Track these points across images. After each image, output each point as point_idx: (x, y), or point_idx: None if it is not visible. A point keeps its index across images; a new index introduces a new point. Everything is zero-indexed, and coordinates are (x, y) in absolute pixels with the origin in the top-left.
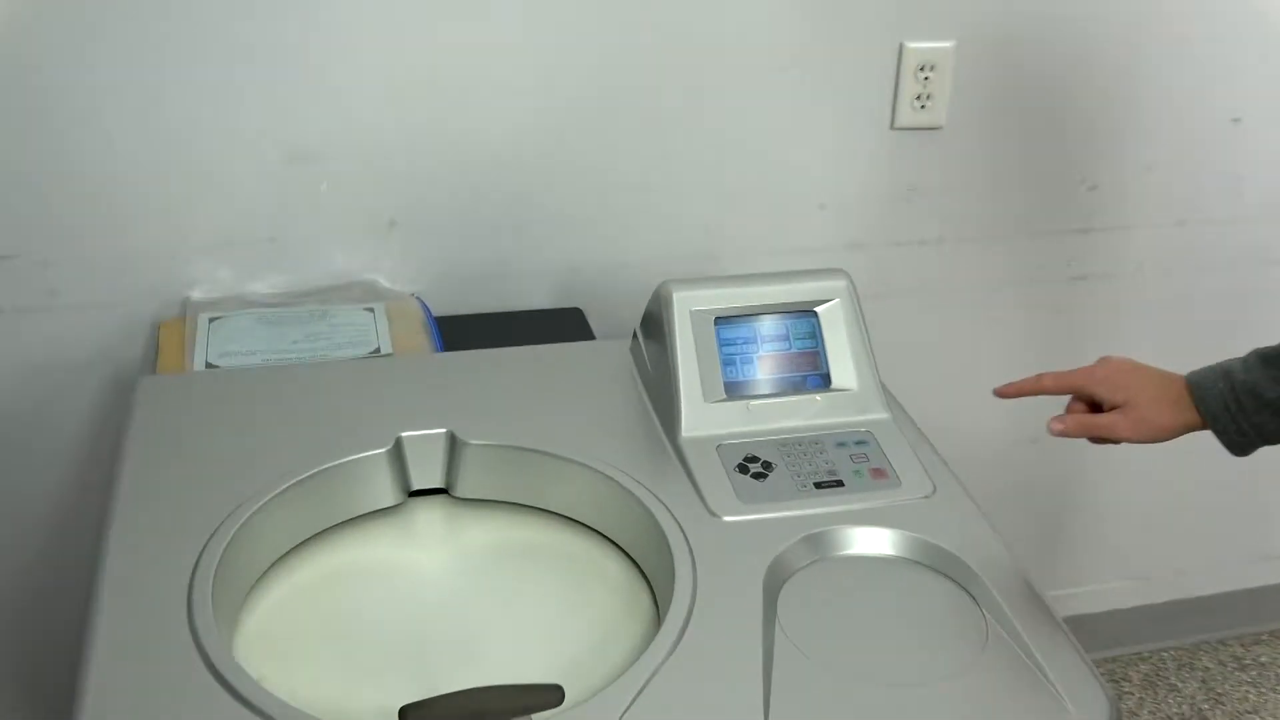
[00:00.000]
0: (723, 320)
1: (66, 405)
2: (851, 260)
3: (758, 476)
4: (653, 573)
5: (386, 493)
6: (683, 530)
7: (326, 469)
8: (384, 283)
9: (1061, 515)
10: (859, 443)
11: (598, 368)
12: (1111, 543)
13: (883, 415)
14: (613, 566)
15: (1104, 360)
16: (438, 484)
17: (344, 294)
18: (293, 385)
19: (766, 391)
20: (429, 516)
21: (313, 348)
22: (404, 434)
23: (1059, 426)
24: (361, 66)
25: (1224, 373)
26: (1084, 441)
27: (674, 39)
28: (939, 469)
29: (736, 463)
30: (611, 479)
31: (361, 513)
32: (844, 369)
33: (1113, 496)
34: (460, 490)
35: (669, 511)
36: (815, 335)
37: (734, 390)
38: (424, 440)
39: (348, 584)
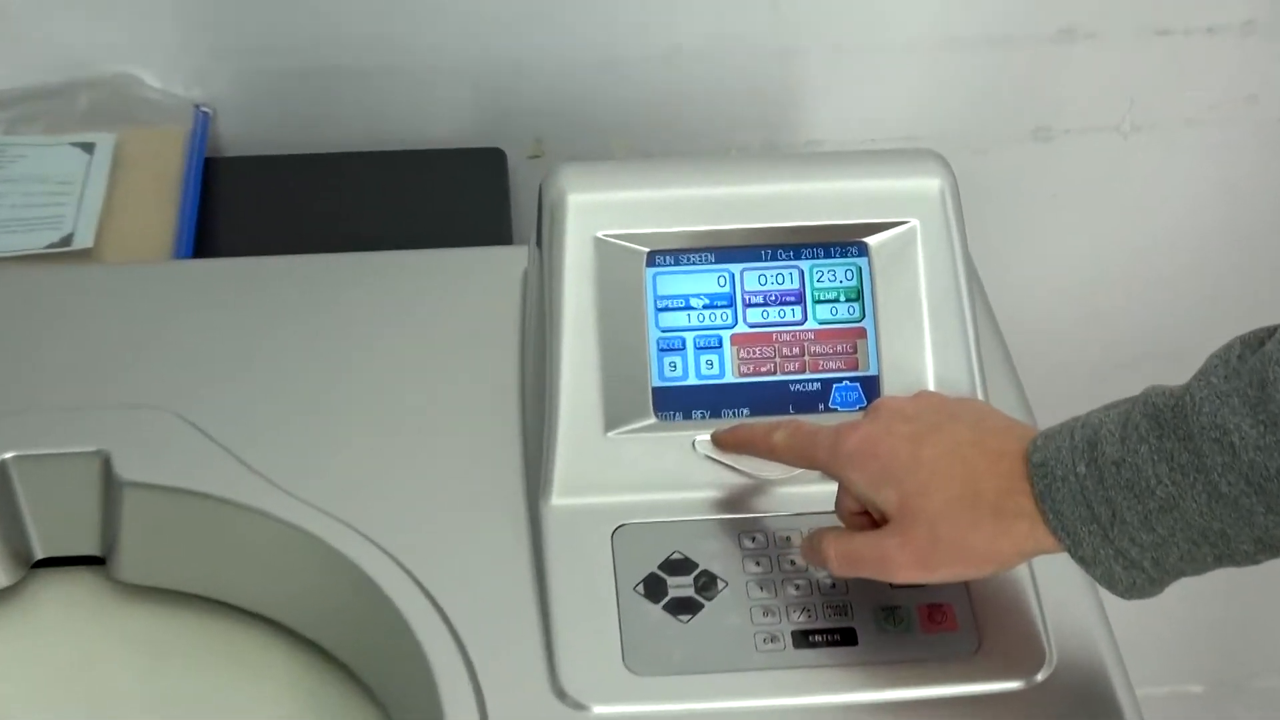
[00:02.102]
0: (666, 260)
1: None
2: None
3: (683, 609)
4: None
5: None
6: None
7: None
8: (151, 81)
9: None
10: None
11: (462, 311)
12: None
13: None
14: None
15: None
16: (83, 550)
17: (58, 106)
18: None
19: (737, 411)
20: (61, 603)
21: None
22: (14, 454)
23: (806, 558)
24: None
25: (1087, 441)
26: None
27: None
28: (1070, 609)
29: (648, 572)
30: (376, 586)
31: None
32: (914, 368)
33: None
34: (122, 566)
35: (472, 681)
36: (859, 297)
37: (670, 406)
38: (56, 469)
39: None
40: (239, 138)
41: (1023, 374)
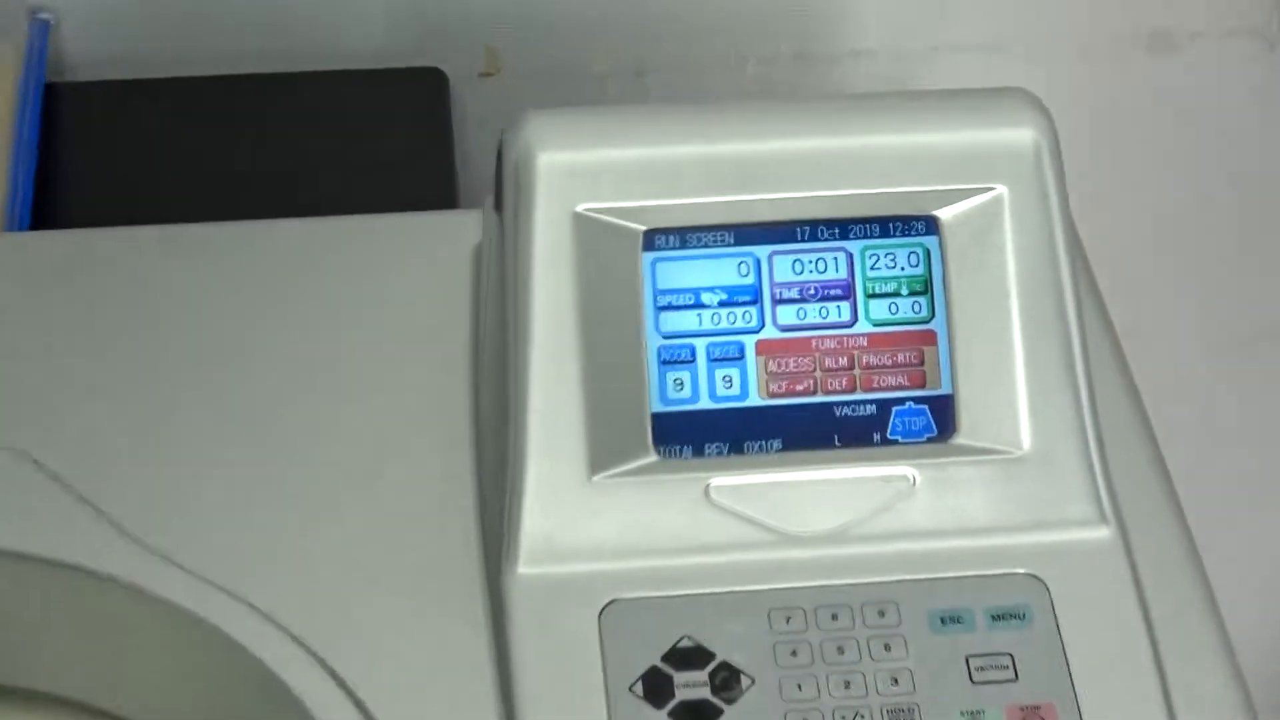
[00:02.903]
0: (669, 242)
1: None
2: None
3: (696, 716)
4: None
5: None
6: None
7: None
8: None
9: None
10: (1013, 616)
11: (392, 302)
12: None
13: (1098, 532)
14: None
15: None
16: None
17: None
18: None
19: (767, 444)
20: None
21: None
22: None
23: None
24: None
25: None
26: None
27: None
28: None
29: (648, 665)
30: (285, 688)
31: None
32: (1000, 385)
33: None
34: None
35: None
36: (927, 289)
37: (676, 438)
38: None
39: None
40: (90, 55)
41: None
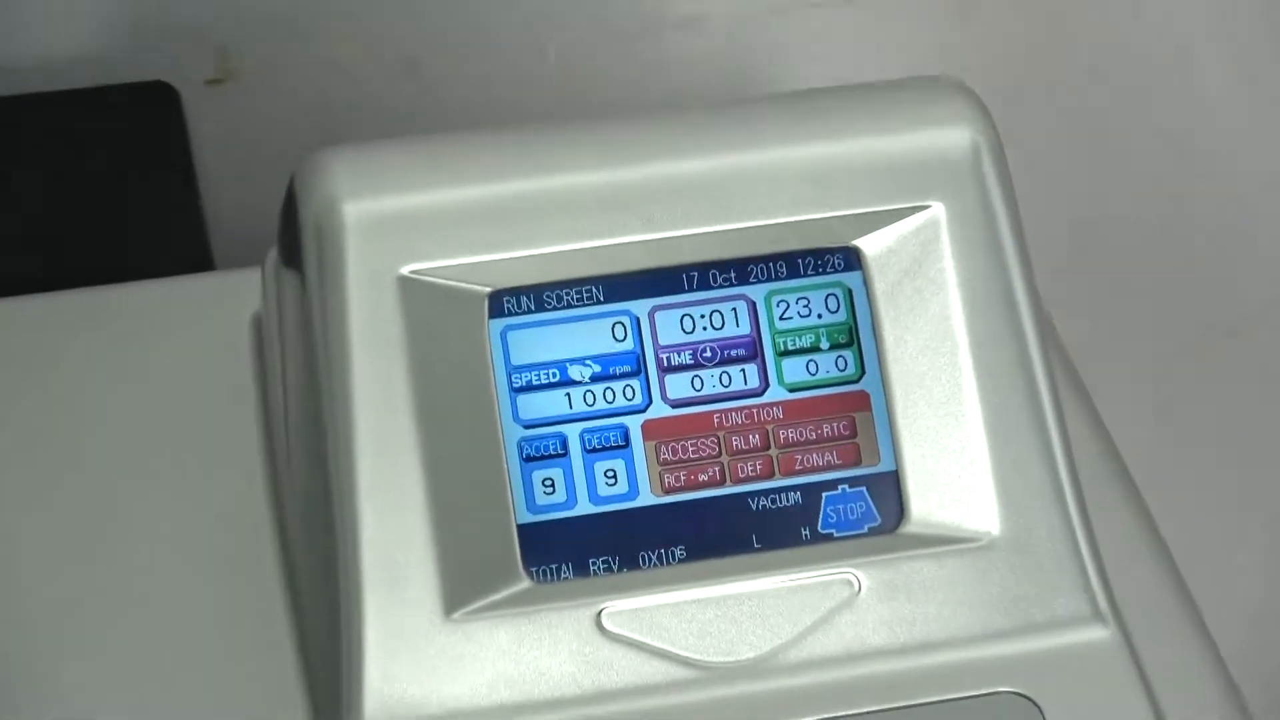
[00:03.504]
0: (522, 304)
1: None
2: None
3: None
4: None
5: None
6: None
7: None
8: None
9: None
10: None
11: (146, 400)
12: None
13: (1093, 633)
14: None
15: None
16: None
17: None
18: None
19: (667, 553)
20: None
21: None
22: None
23: None
24: None
25: None
26: None
27: None
28: None
29: None
30: None
31: None
32: (955, 454)
33: None
34: None
35: None
36: (852, 340)
37: (550, 555)
38: None
39: None
40: None
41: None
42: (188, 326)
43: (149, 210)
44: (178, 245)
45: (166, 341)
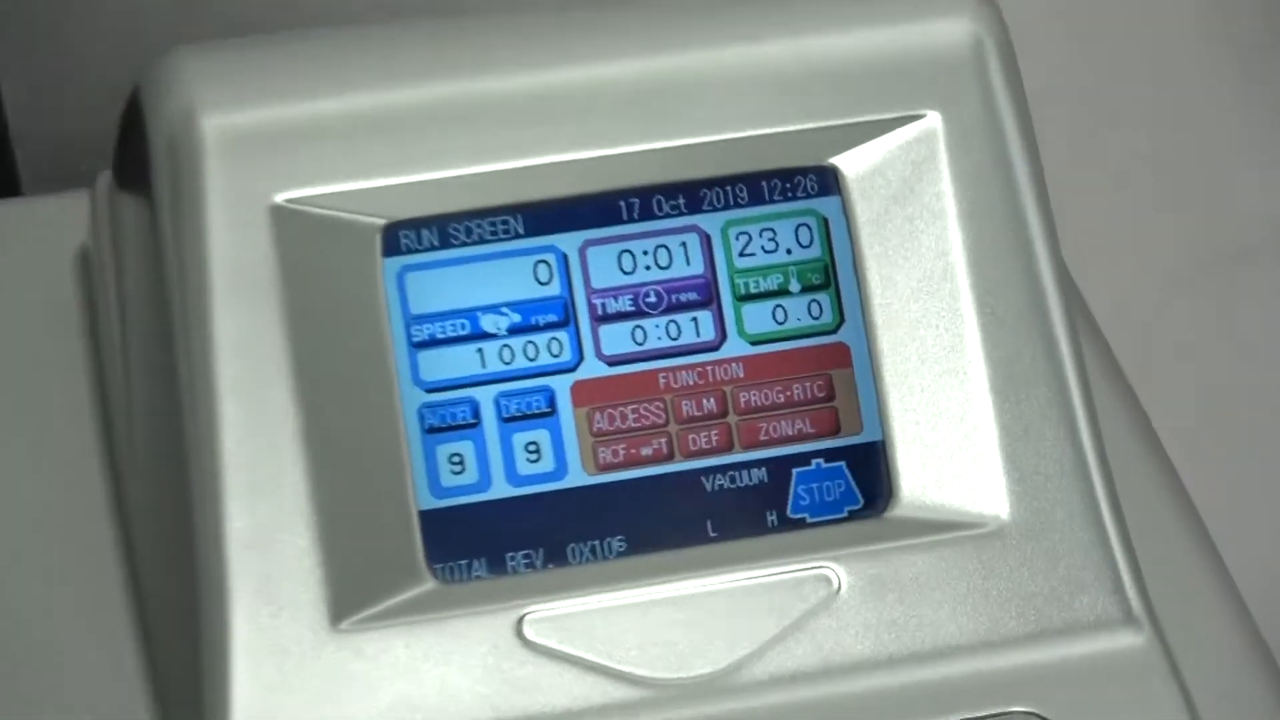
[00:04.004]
0: (423, 240)
1: None
2: None
3: None
4: None
5: None
6: None
7: None
8: None
9: None
10: None
11: None
12: None
13: (1124, 639)
14: None
15: None
16: None
17: None
18: None
19: (603, 544)
20: None
21: None
22: None
23: None
24: None
25: None
26: None
27: None
28: None
29: None
30: None
31: None
32: (953, 421)
33: None
34: None
35: None
36: (829, 281)
37: (459, 549)
38: None
39: None
40: None
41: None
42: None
43: None
44: None
45: None
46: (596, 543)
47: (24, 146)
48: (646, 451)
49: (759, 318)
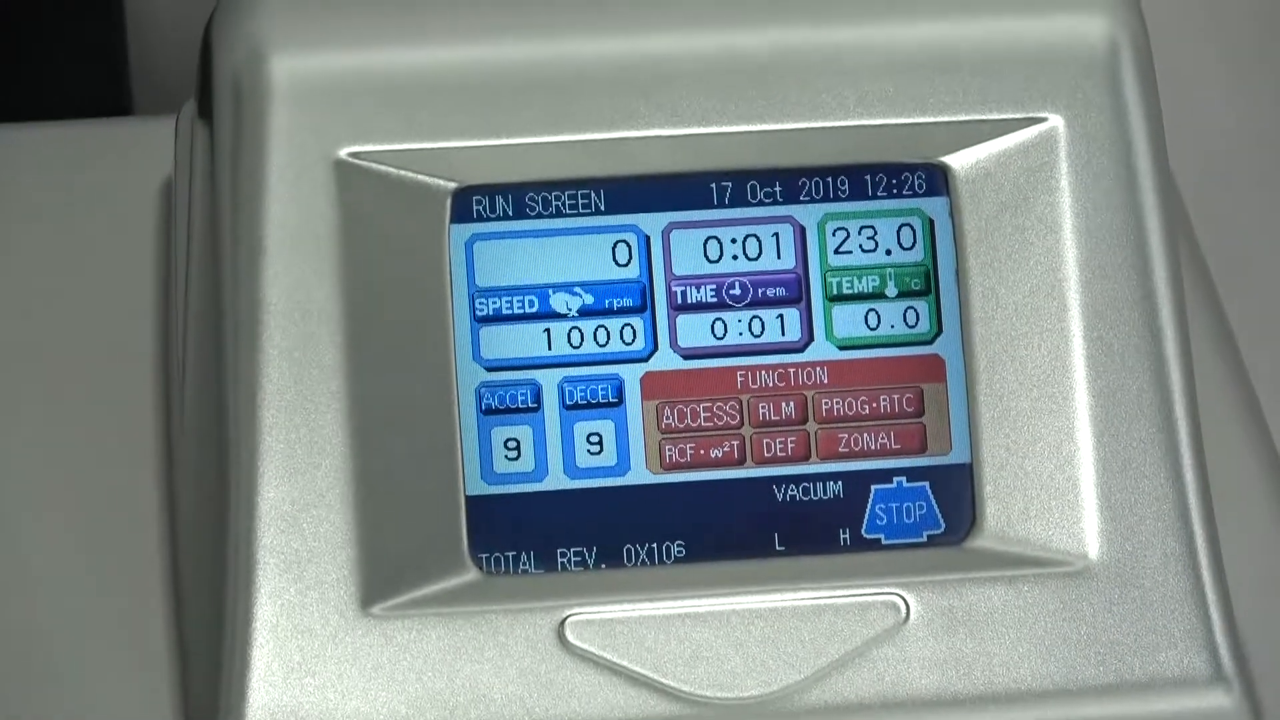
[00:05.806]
0: (495, 208)
1: None
2: None
3: None
4: None
5: None
6: None
7: None
8: None
9: None
10: None
11: (38, 277)
12: None
13: (1213, 699)
14: None
15: None
16: None
17: None
18: None
19: (659, 549)
20: None
21: None
22: None
23: None
24: None
25: None
26: None
27: None
28: None
29: None
30: None
31: None
32: (1052, 450)
33: None
34: None
35: None
36: (929, 287)
37: (506, 541)
38: None
39: None
40: None
41: None
42: (93, 179)
43: (64, 44)
44: (93, 84)
45: (66, 196)
46: (654, 546)
47: (142, 65)
48: (716, 454)
49: (850, 321)
